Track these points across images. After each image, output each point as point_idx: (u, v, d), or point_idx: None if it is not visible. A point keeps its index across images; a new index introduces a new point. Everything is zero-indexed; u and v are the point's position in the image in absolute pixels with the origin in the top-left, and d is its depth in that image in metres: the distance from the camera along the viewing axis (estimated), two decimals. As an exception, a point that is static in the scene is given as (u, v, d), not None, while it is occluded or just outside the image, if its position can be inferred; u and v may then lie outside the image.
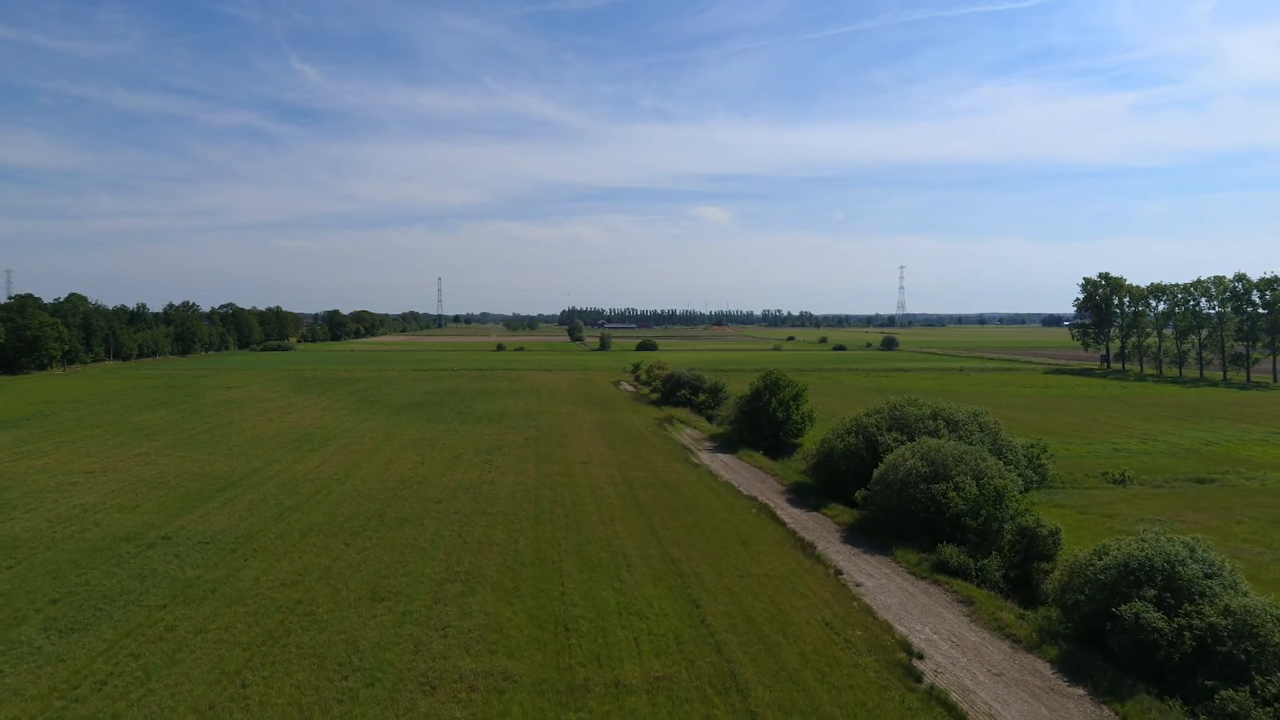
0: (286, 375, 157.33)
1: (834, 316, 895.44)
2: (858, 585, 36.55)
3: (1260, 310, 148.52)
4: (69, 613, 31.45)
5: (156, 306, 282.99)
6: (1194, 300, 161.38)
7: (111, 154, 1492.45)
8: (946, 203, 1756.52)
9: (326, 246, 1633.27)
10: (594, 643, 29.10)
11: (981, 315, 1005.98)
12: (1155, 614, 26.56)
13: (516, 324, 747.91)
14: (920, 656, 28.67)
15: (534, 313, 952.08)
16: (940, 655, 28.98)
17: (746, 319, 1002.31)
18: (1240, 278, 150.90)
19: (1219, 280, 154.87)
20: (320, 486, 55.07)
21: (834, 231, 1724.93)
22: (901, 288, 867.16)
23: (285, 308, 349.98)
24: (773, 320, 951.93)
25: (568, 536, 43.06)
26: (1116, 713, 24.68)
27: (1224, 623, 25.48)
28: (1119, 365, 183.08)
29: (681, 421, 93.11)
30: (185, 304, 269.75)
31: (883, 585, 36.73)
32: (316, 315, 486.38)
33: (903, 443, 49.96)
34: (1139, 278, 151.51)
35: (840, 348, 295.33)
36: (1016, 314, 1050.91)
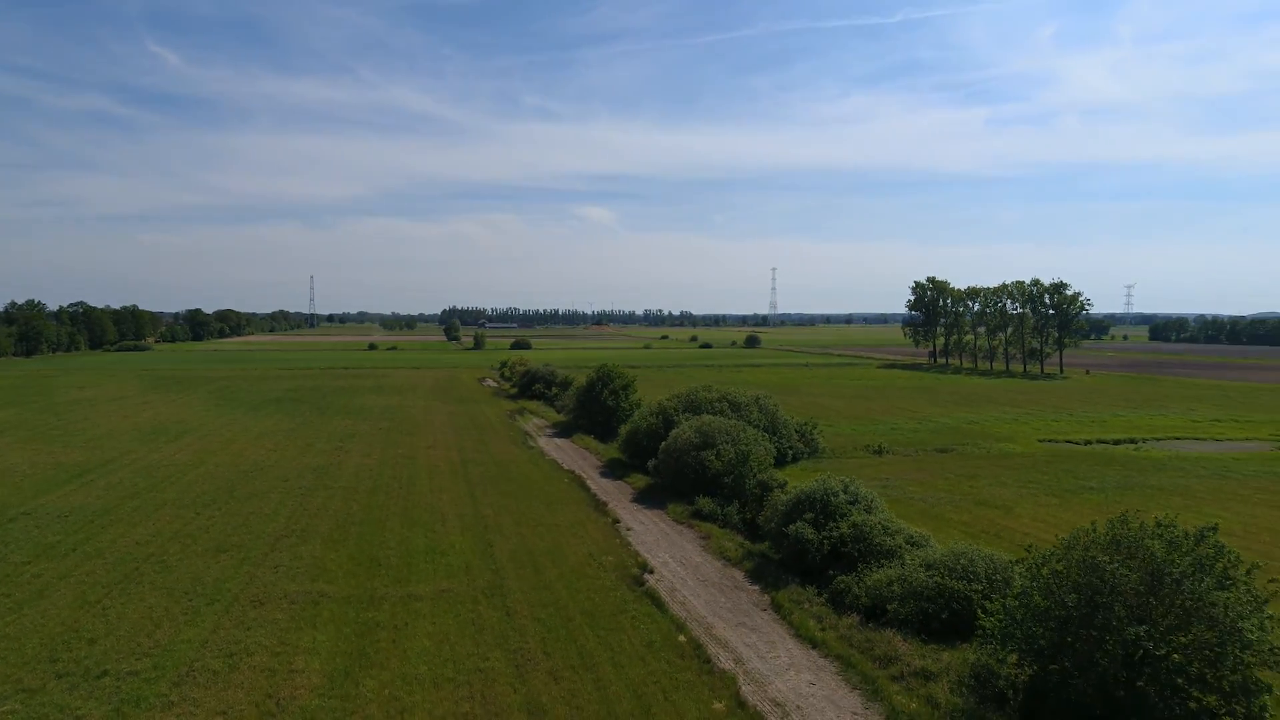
0: (143, 374, 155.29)
1: (712, 316, 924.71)
2: (628, 530, 45.91)
3: (1050, 311, 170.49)
4: (-59, 569, 36.65)
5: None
6: (1001, 301, 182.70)
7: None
8: (822, 207, 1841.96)
9: (190, 242, 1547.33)
10: (399, 572, 37.06)
11: (850, 315, 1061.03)
12: (809, 530, 36.92)
13: (394, 324, 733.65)
14: (651, 571, 38.11)
15: (414, 312, 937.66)
16: (667, 571, 38.52)
17: (629, 319, 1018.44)
18: (1035, 282, 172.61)
19: (1019, 284, 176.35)
20: (174, 471, 60.15)
21: (715, 233, 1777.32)
22: (774, 288, 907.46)
23: (143, 306, 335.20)
24: (654, 320, 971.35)
25: (397, 503, 50.61)
26: (772, 598, 34.71)
27: (850, 532, 36.02)
28: (944, 360, 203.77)
29: (531, 412, 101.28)
30: (30, 302, 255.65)
31: (647, 529, 46.26)
32: (177, 314, 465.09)
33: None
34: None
35: (707, 345, 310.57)
36: (881, 314, 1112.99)
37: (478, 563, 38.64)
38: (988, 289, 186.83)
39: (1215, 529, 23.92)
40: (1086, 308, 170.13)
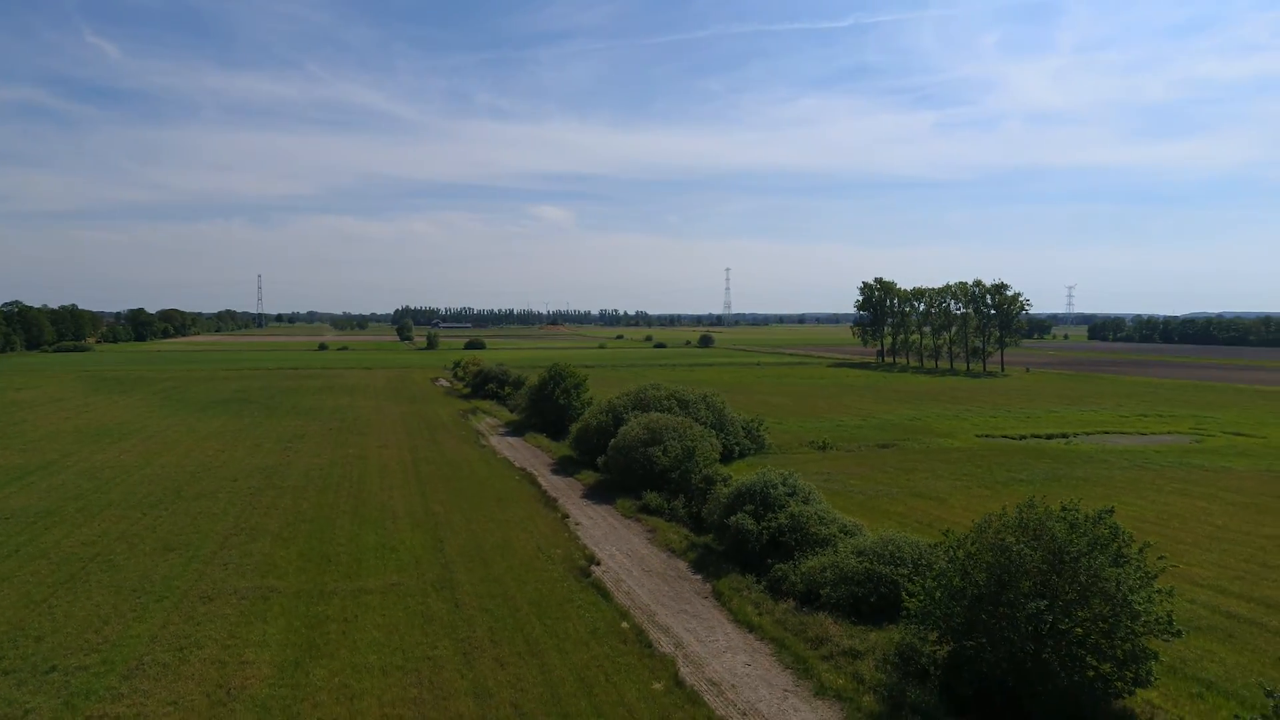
0: (84, 375, 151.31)
1: (668, 316, 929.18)
2: (577, 524, 47.01)
3: (991, 311, 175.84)
4: (-122, 571, 36.17)
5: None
6: (945, 301, 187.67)
7: None
8: (776, 208, 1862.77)
9: (132, 239, 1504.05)
10: (349, 568, 37.64)
11: (803, 315, 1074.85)
12: (749, 521, 38.44)
13: (346, 323, 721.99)
14: (598, 563, 39.27)
15: (366, 312, 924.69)
16: (613, 563, 39.72)
17: (584, 319, 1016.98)
18: (977, 283, 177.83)
19: (962, 285, 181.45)
20: (120, 472, 59.50)
21: (671, 233, 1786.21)
22: (728, 289, 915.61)
23: (83, 305, 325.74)
24: (610, 319, 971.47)
25: (347, 501, 50.96)
26: (713, 586, 36.12)
27: (787, 523, 37.61)
28: (891, 359, 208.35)
29: (484, 412, 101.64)
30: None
31: (596, 523, 47.42)
32: (119, 314, 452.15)
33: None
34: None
35: (661, 345, 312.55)
36: (834, 314, 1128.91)
37: (428, 558, 39.39)
38: (933, 289, 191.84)
39: (1111, 511, 25.98)
40: (1026, 307, 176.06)
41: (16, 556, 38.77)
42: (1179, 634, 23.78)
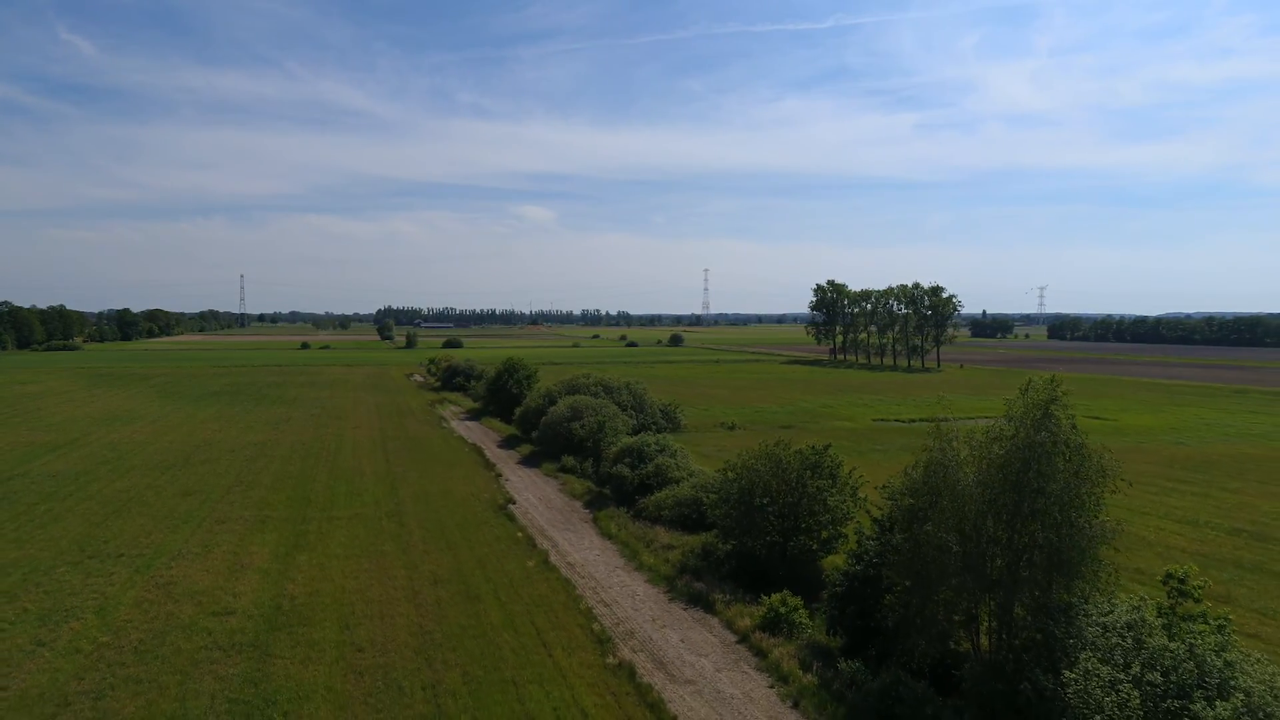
0: (81, 372, 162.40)
1: (648, 316, 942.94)
2: (506, 480, 59.80)
3: (927, 311, 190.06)
4: (-30, 508, 48.50)
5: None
6: (889, 303, 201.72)
7: None
8: (759, 208, 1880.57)
9: (111, 238, 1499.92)
10: (324, 505, 50.30)
11: (782, 315, 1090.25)
12: (626, 469, 51.41)
13: (328, 323, 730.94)
14: (514, 503, 52.10)
15: (349, 312, 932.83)
16: (526, 503, 52.55)
17: (566, 319, 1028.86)
18: (916, 285, 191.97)
19: (903, 287, 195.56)
20: (136, 445, 71.77)
21: (654, 233, 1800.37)
22: (706, 288, 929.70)
23: (67, 305, 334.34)
24: (592, 320, 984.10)
25: (325, 465, 63.54)
26: (594, 515, 48.97)
27: (653, 470, 50.60)
28: (842, 356, 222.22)
29: (451, 402, 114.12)
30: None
31: (522, 479, 60.26)
32: (102, 314, 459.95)
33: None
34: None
35: (633, 344, 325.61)
36: (813, 315, 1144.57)
37: (385, 499, 52.11)
38: (878, 291, 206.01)
39: (828, 447, 39.04)
40: (959, 308, 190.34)
41: (72, 498, 51.13)
42: (854, 519, 36.96)
